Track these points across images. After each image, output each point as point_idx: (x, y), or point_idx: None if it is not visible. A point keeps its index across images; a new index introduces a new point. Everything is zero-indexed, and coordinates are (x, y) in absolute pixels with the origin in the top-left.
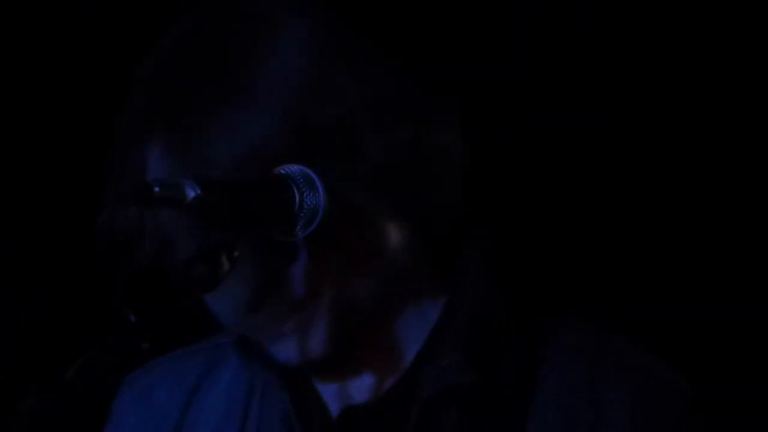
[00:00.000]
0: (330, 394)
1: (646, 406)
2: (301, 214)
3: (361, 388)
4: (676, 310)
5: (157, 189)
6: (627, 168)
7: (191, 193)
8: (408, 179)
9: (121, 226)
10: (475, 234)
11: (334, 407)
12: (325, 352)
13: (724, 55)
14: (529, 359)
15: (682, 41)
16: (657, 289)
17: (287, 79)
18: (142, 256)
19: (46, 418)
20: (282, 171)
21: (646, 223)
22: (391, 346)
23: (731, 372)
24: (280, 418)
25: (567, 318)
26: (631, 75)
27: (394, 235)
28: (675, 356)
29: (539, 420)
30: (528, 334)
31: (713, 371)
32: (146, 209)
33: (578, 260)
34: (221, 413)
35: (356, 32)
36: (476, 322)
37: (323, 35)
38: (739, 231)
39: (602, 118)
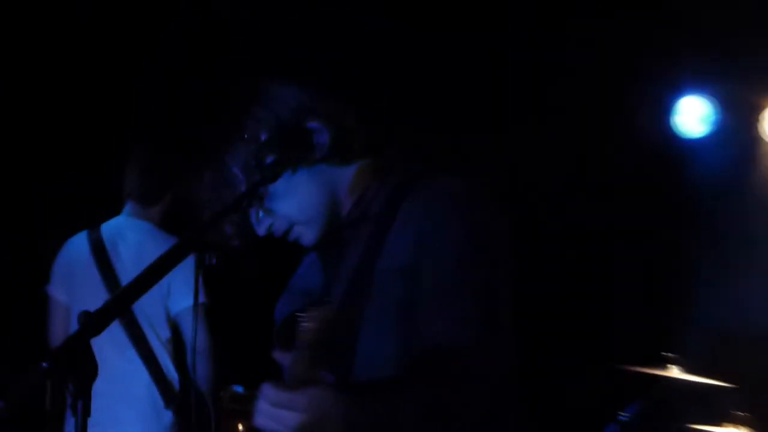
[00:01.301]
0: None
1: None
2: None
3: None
4: None
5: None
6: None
7: (263, 136)
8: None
9: None
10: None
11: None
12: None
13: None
14: (401, 199)
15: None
16: None
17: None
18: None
19: None
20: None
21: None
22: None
23: None
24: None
25: (451, 173)
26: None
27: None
28: None
29: (395, 236)
30: (409, 184)
31: None
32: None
33: None
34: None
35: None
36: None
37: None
38: None
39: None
